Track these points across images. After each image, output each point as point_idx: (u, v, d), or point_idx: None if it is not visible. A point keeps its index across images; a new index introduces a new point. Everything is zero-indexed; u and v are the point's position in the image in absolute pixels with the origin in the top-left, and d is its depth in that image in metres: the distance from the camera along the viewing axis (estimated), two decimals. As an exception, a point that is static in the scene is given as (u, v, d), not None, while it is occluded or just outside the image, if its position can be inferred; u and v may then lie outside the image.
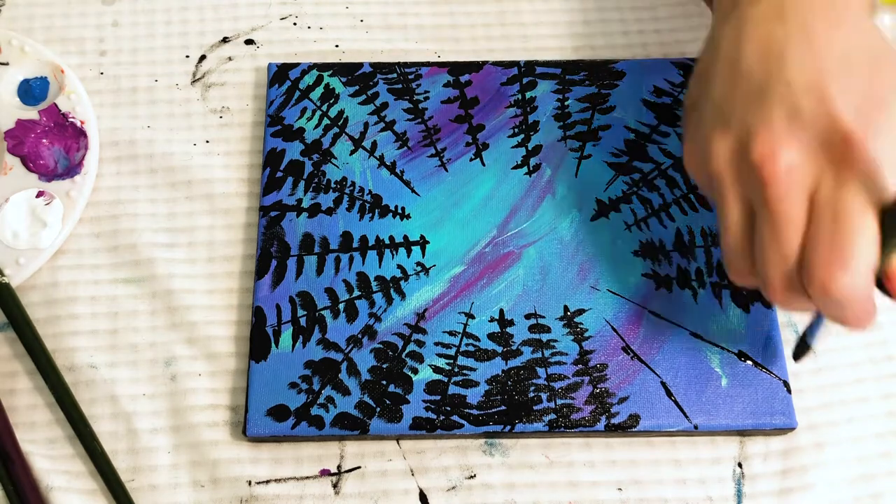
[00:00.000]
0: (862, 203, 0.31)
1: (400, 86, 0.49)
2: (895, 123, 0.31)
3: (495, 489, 0.41)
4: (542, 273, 0.44)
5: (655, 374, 0.42)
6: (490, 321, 0.43)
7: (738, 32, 0.35)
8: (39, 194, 0.46)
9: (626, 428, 0.41)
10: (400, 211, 0.46)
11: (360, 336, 0.43)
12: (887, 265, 0.32)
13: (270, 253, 0.45)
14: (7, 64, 0.49)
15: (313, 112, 0.48)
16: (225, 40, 0.52)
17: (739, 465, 0.42)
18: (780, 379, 0.42)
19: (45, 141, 0.47)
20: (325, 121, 0.48)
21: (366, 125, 0.48)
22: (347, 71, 0.49)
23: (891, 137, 0.31)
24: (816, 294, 0.32)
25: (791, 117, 0.32)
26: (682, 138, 0.36)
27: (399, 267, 0.45)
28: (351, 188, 0.46)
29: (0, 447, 0.41)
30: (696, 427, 0.41)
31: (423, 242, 0.45)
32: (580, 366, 0.42)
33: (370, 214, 0.46)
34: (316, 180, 0.46)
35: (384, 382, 0.42)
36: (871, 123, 0.31)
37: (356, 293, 0.44)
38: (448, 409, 0.42)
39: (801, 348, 0.41)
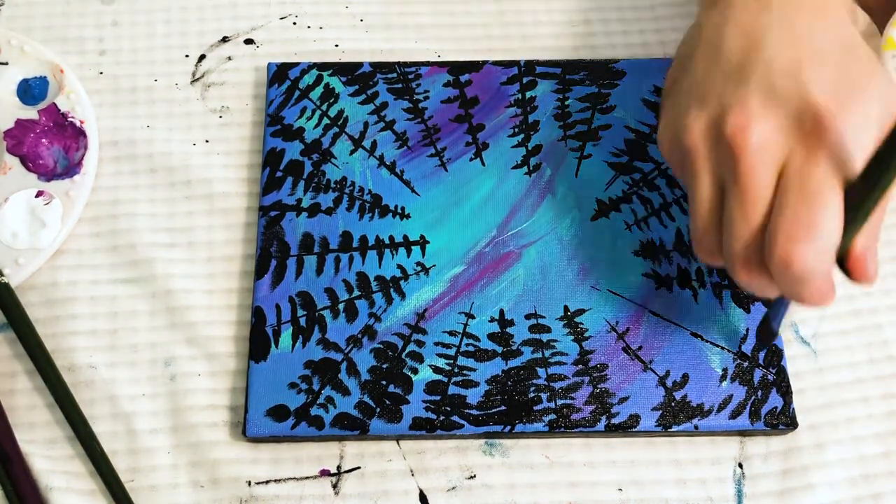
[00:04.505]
0: (830, 178, 0.32)
1: (400, 85, 0.49)
2: (863, 107, 0.33)
3: (495, 489, 0.41)
4: (542, 273, 0.44)
5: (655, 374, 0.42)
6: (490, 321, 0.43)
7: (723, 19, 0.36)
8: (39, 194, 0.46)
9: (626, 428, 0.41)
10: (400, 211, 0.46)
11: (359, 336, 0.43)
12: (850, 244, 0.33)
13: (270, 253, 0.45)
14: (6, 64, 0.49)
15: (313, 112, 0.48)
16: (224, 40, 0.52)
17: (740, 465, 0.42)
18: (780, 379, 0.42)
19: (44, 141, 0.47)
20: (325, 120, 0.48)
21: (366, 125, 0.48)
22: (347, 70, 0.49)
23: (859, 119, 0.32)
24: (777, 268, 0.33)
25: (766, 95, 0.33)
26: (659, 119, 0.37)
27: (399, 267, 0.44)
28: (351, 188, 0.46)
29: (-1, 447, 0.41)
30: (696, 427, 0.41)
31: (423, 242, 0.45)
32: (580, 366, 0.42)
33: (370, 214, 0.46)
34: (316, 180, 0.46)
35: (384, 382, 0.42)
36: (842, 104, 0.32)
37: (356, 293, 0.44)
38: (448, 409, 0.41)
39: (767, 333, 0.41)
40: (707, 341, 0.43)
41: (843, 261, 0.34)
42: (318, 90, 0.49)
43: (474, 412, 0.41)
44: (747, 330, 0.43)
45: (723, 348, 0.43)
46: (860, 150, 0.32)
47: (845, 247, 0.33)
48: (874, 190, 0.31)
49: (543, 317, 0.44)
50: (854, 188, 0.32)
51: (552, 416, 0.41)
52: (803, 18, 0.35)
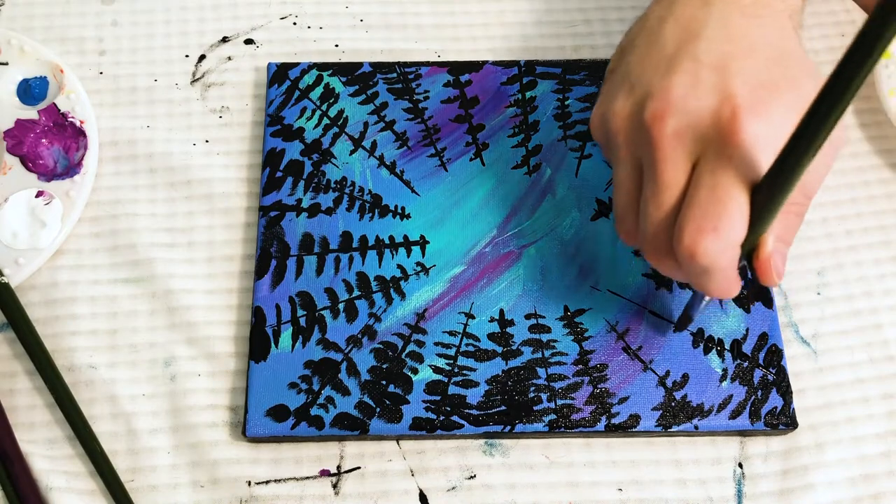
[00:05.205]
0: (739, 177, 0.32)
1: (400, 85, 0.49)
2: (781, 110, 0.33)
3: (495, 489, 0.41)
4: (542, 273, 0.44)
5: (655, 374, 0.42)
6: (490, 321, 0.43)
7: (666, 11, 0.37)
8: (39, 194, 0.46)
9: (627, 428, 0.41)
10: (400, 211, 0.46)
11: (359, 336, 0.43)
12: (758, 243, 0.34)
13: (270, 253, 0.45)
14: (7, 64, 0.49)
15: (313, 112, 0.48)
16: (224, 40, 0.52)
17: (740, 465, 0.42)
18: (780, 379, 0.42)
19: (44, 141, 0.47)
20: (325, 120, 0.48)
21: (365, 125, 0.48)
22: (347, 70, 0.49)
23: (774, 121, 0.33)
24: (683, 257, 0.34)
25: (690, 87, 0.34)
26: (596, 102, 0.38)
27: (399, 267, 0.44)
28: (351, 188, 0.46)
29: (-1, 447, 0.41)
30: (696, 427, 0.41)
31: (423, 242, 0.45)
32: (580, 366, 0.42)
33: (370, 214, 0.46)
34: (316, 180, 0.46)
35: (384, 382, 0.42)
36: (760, 105, 0.33)
37: (356, 293, 0.44)
38: (448, 409, 0.41)
39: (683, 319, 0.42)
40: (707, 341, 0.43)
41: (750, 256, 0.35)
42: (318, 90, 0.49)
43: (474, 412, 0.41)
44: (747, 330, 0.43)
45: (723, 348, 0.43)
46: (771, 153, 0.32)
47: (752, 244, 0.34)
48: (779, 192, 0.31)
49: (543, 317, 0.44)
50: (762, 188, 0.32)
51: (552, 416, 0.41)
52: (742, 17, 0.35)
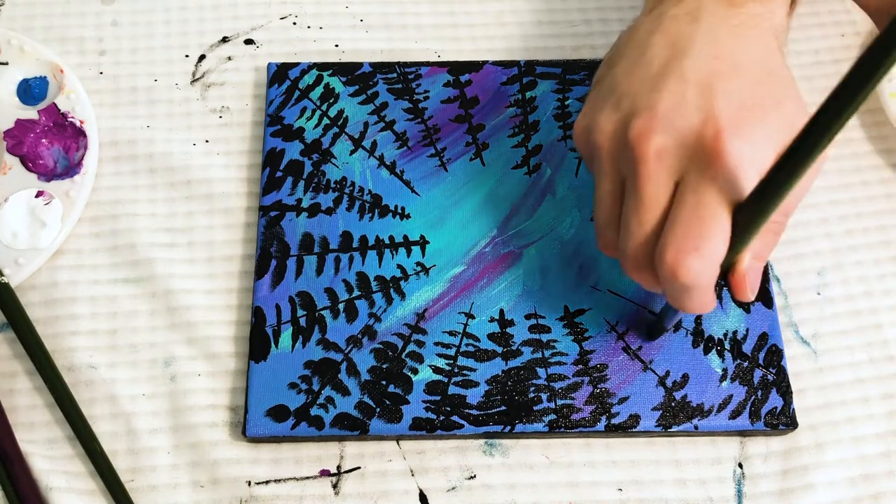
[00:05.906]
0: (721, 198, 0.33)
1: (400, 85, 0.49)
2: (764, 131, 0.33)
3: (495, 490, 0.41)
4: (542, 273, 0.44)
5: (655, 374, 0.42)
6: (490, 321, 0.43)
7: (654, 25, 0.37)
8: (39, 194, 0.46)
9: (626, 428, 0.41)
10: (400, 211, 0.46)
11: (359, 336, 0.43)
12: (736, 260, 0.34)
13: (270, 253, 0.45)
14: (6, 63, 0.49)
15: (313, 112, 0.48)
16: (224, 40, 0.52)
17: (740, 465, 0.42)
18: (780, 379, 0.42)
19: (44, 141, 0.47)
20: (325, 120, 0.48)
21: (365, 125, 0.48)
22: (347, 70, 0.49)
23: (758, 142, 0.33)
24: (665, 274, 0.34)
25: (675, 105, 0.34)
26: (581, 111, 0.39)
27: (399, 267, 0.44)
28: (351, 188, 0.46)
29: (-1, 447, 0.41)
30: (696, 427, 0.41)
31: (423, 242, 0.45)
32: (580, 366, 0.42)
33: (370, 214, 0.46)
34: (316, 180, 0.46)
35: (384, 383, 0.42)
36: (744, 126, 0.33)
37: (356, 293, 0.44)
38: (448, 409, 0.41)
39: (657, 329, 0.42)
40: (707, 341, 0.43)
41: (727, 274, 0.35)
42: (318, 90, 0.49)
43: (474, 412, 0.41)
44: (747, 330, 0.43)
45: (723, 348, 0.43)
46: (754, 174, 0.32)
47: (730, 261, 0.34)
48: (762, 213, 0.31)
49: (543, 317, 0.44)
50: (744, 208, 0.32)
51: (552, 416, 0.41)
52: (729, 36, 0.35)
